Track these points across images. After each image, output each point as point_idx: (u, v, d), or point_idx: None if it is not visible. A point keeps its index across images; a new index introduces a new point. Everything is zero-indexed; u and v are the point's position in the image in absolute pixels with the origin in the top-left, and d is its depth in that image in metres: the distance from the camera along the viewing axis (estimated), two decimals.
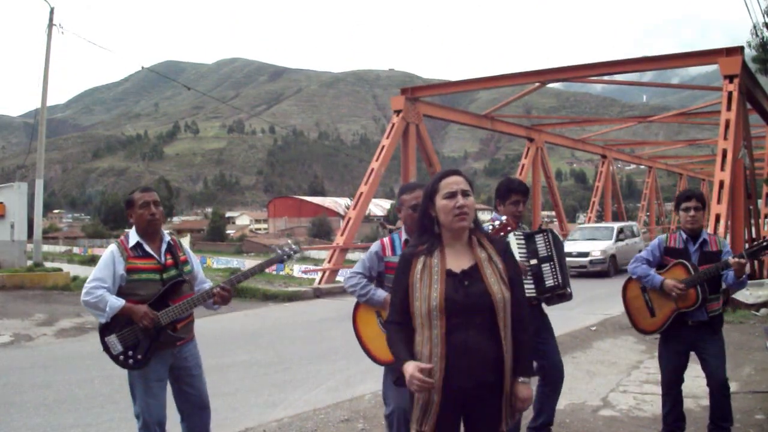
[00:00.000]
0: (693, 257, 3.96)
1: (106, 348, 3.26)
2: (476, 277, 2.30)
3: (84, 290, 3.22)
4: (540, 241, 3.94)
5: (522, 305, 2.37)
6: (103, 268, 3.25)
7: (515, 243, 3.93)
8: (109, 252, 3.31)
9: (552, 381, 4.09)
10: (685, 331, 3.98)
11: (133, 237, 3.35)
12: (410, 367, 2.22)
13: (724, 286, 4.00)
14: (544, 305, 4.12)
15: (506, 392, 2.29)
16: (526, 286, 3.85)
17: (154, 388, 3.30)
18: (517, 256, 3.88)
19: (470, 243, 2.40)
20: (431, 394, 2.24)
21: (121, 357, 3.22)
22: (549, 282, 3.87)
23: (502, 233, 3.63)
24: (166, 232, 3.49)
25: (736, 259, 3.70)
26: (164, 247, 3.40)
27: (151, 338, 3.23)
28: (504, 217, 3.69)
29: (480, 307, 2.26)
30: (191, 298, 3.31)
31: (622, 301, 4.33)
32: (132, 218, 3.37)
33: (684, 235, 4.03)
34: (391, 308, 2.42)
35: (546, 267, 3.87)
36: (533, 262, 3.89)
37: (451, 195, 2.34)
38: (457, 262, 2.35)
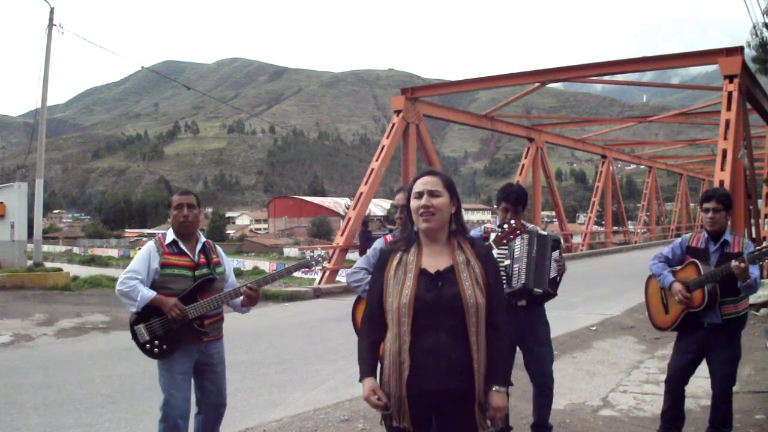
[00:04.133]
0: (712, 258, 3.91)
1: (135, 336, 3.39)
2: (450, 279, 2.28)
3: (119, 280, 3.39)
4: (518, 242, 3.87)
5: (499, 312, 2.33)
6: (139, 261, 3.42)
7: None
8: (146, 247, 3.50)
9: (537, 386, 4.07)
10: (700, 333, 3.94)
11: (169, 235, 3.53)
12: (367, 388, 2.30)
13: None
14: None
15: (478, 400, 2.25)
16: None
17: (179, 380, 3.41)
18: (496, 257, 3.86)
19: (450, 245, 2.39)
20: (402, 389, 2.26)
21: (147, 346, 3.36)
22: (514, 283, 3.83)
23: (511, 236, 3.61)
24: (202, 234, 3.65)
25: (736, 263, 3.68)
26: (199, 247, 3.56)
27: (178, 330, 3.36)
28: (513, 221, 3.68)
29: (451, 310, 2.24)
30: (219, 295, 3.46)
31: (644, 296, 4.32)
32: (169, 217, 3.55)
33: (706, 235, 4.00)
34: (367, 304, 2.44)
35: (516, 268, 3.84)
36: (507, 262, 3.88)
37: (419, 195, 2.35)
38: (434, 262, 2.34)
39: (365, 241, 14.74)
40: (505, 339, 2.34)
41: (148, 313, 3.34)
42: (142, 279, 3.36)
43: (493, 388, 2.28)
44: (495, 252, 3.76)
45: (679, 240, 4.17)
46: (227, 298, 3.47)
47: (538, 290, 3.86)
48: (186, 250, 3.49)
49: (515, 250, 3.88)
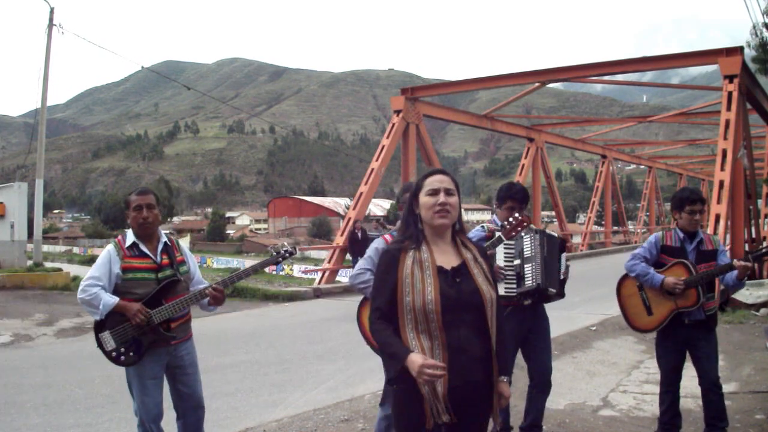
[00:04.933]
0: (690, 256, 3.97)
1: (100, 344, 3.29)
2: (466, 275, 2.33)
3: (80, 288, 3.28)
4: (527, 241, 3.88)
5: (499, 306, 2.42)
6: (99, 266, 3.30)
7: (502, 242, 3.90)
8: (105, 251, 3.36)
9: (538, 383, 4.07)
10: (682, 330, 3.99)
11: (129, 237, 3.41)
12: (418, 359, 2.19)
13: (722, 286, 4.02)
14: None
15: (496, 390, 2.32)
16: (505, 286, 3.83)
17: (149, 386, 3.34)
18: (503, 256, 3.86)
19: (454, 243, 2.43)
20: (436, 386, 2.22)
21: (114, 353, 3.26)
22: (528, 282, 3.82)
23: (519, 228, 3.58)
24: (164, 232, 3.53)
25: (742, 263, 3.70)
26: (160, 247, 3.44)
27: (144, 336, 3.27)
28: (517, 215, 3.66)
29: (471, 305, 2.29)
30: (184, 298, 3.35)
31: (616, 299, 4.29)
32: (128, 219, 3.43)
33: (681, 234, 4.03)
34: (376, 306, 2.38)
35: (528, 267, 3.83)
36: (516, 261, 3.86)
37: (434, 192, 2.37)
38: (445, 259, 2.36)
39: (352, 243, 14.72)
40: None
41: (112, 319, 3.23)
42: (104, 285, 3.25)
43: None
44: (502, 252, 3.80)
45: (653, 240, 4.16)
46: (192, 300, 3.36)
47: (552, 290, 3.87)
48: (147, 252, 3.37)
49: (525, 250, 3.87)
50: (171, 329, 3.34)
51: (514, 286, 3.83)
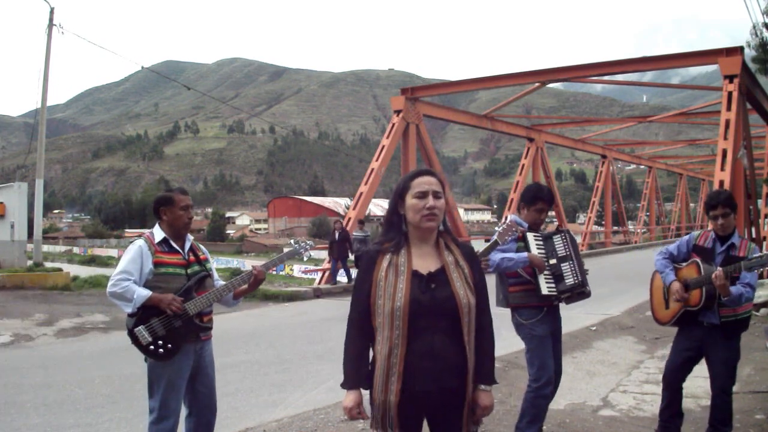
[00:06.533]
0: (718, 258, 3.93)
1: (135, 340, 3.28)
2: (443, 280, 2.26)
3: (110, 282, 3.27)
4: (558, 241, 4.00)
5: (486, 312, 2.35)
6: (129, 261, 3.30)
7: (534, 243, 3.97)
8: (136, 247, 3.36)
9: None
10: (698, 331, 3.98)
11: (159, 234, 3.43)
12: (350, 400, 2.28)
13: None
14: (561, 306, 4.13)
15: (468, 399, 2.27)
16: (546, 285, 3.89)
17: (178, 383, 3.35)
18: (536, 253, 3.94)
19: (437, 245, 2.36)
20: (388, 395, 2.22)
21: (151, 347, 3.26)
22: (569, 281, 3.91)
23: (506, 237, 3.64)
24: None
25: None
26: (188, 245, 3.52)
27: (179, 328, 3.29)
28: (507, 223, 3.71)
29: (445, 311, 2.22)
30: (218, 288, 3.43)
31: (649, 289, 4.35)
32: (166, 216, 3.44)
33: (714, 235, 4.02)
34: (353, 306, 2.37)
35: (566, 266, 3.94)
36: (552, 261, 3.94)
37: (422, 195, 2.30)
38: (424, 263, 2.30)
39: (331, 242, 14.55)
40: (491, 338, 2.36)
41: (146, 314, 3.26)
42: (135, 280, 3.26)
43: (480, 387, 2.29)
44: (535, 252, 3.86)
45: (687, 237, 4.19)
46: (226, 290, 3.44)
47: (589, 288, 4.02)
48: (177, 248, 3.44)
49: (558, 249, 3.97)
50: (204, 321, 3.42)
51: (554, 284, 3.91)
